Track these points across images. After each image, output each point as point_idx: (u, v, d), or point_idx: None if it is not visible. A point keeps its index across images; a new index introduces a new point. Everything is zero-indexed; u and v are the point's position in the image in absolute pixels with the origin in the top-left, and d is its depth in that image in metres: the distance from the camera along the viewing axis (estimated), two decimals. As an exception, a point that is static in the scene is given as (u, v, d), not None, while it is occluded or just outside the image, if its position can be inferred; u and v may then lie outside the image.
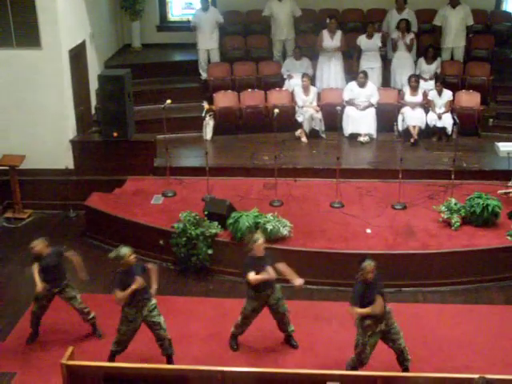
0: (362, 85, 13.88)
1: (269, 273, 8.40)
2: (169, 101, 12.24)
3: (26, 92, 12.43)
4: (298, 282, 8.58)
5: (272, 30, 15.24)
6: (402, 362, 8.15)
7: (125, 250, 8.13)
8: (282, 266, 8.58)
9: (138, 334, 8.39)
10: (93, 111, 14.07)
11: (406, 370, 8.14)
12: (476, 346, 8.91)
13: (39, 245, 8.81)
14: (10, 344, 9.17)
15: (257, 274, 8.40)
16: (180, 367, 7.89)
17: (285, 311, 8.77)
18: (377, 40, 14.46)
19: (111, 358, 8.45)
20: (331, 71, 14.61)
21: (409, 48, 14.53)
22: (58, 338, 9.20)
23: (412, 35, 14.53)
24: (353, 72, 14.46)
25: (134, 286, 8.03)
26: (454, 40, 14.74)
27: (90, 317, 9.15)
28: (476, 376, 6.64)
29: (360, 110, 13.73)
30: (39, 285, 8.78)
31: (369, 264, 7.76)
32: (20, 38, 12.20)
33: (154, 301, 8.33)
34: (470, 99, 13.93)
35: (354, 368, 8.07)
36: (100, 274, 10.35)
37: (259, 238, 8.55)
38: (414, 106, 13.70)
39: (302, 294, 9.99)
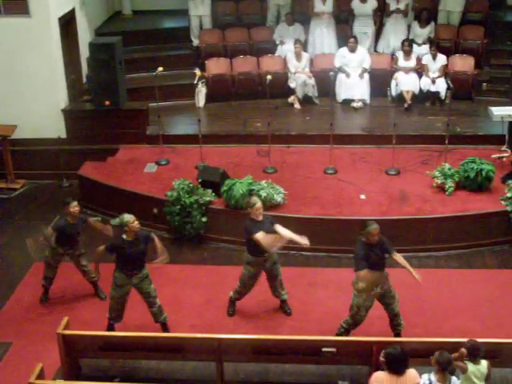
0: (352, 50, 13.76)
1: (282, 234, 8.31)
2: (160, 68, 12.12)
3: (16, 61, 12.28)
4: (304, 241, 8.37)
5: None
6: (395, 326, 8.19)
7: (127, 217, 8.12)
8: (280, 229, 8.45)
9: (135, 302, 8.41)
10: (84, 80, 13.93)
11: (398, 335, 8.20)
12: (470, 310, 8.98)
13: (78, 206, 8.99)
14: (6, 314, 9.19)
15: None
16: (176, 335, 7.94)
17: (278, 274, 8.76)
18: (371, 4, 14.32)
19: (110, 328, 8.47)
20: (323, 36, 14.48)
21: (404, 13, 14.40)
22: (54, 308, 9.24)
23: (407, 1, 14.39)
24: (345, 37, 14.31)
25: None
26: (452, 3, 14.58)
27: (93, 276, 9.22)
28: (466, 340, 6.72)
29: (358, 76, 13.67)
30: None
31: (374, 228, 7.81)
32: (8, 5, 12.03)
33: (145, 270, 8.28)
34: (464, 63, 13.85)
35: (346, 329, 8.14)
36: (94, 243, 10.33)
37: (257, 202, 8.51)
38: (407, 70, 13.61)
39: (296, 260, 10.05)
